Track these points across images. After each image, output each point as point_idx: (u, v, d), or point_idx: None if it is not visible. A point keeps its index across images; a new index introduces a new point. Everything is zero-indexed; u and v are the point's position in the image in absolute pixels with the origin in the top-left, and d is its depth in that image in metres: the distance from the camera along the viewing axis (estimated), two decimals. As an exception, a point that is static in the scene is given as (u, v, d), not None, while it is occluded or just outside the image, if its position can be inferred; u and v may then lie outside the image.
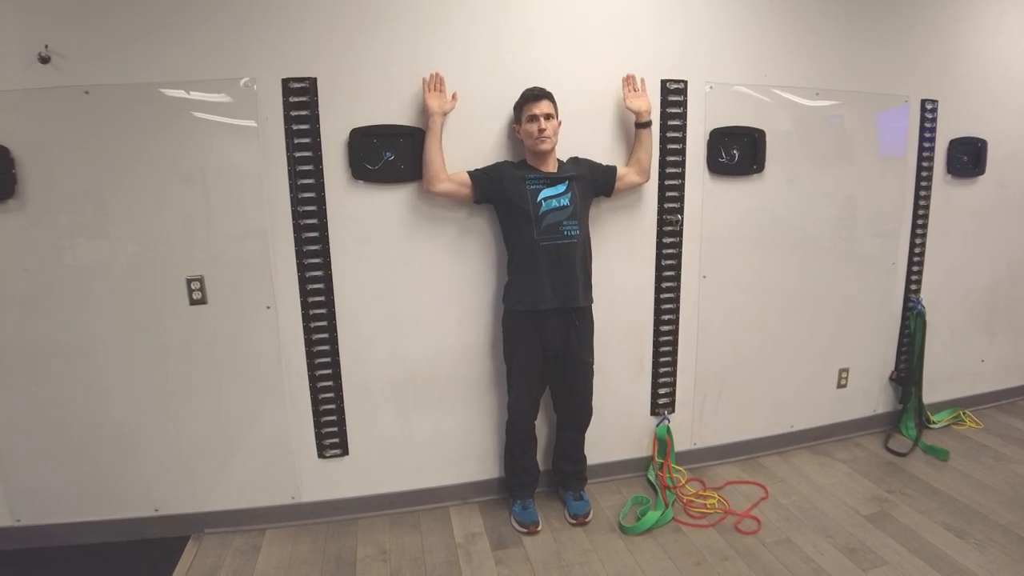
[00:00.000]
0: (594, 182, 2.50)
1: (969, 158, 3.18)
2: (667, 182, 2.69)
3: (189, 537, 2.50)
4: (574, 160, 2.51)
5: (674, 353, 2.85)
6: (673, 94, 2.62)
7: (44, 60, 2.14)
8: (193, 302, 2.37)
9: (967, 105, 3.12)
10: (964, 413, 3.43)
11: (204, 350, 2.41)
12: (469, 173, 2.40)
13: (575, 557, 2.37)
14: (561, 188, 2.40)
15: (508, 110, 2.45)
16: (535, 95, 2.35)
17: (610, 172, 2.53)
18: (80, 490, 2.43)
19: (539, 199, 2.37)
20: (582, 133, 2.54)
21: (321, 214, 2.38)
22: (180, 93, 2.24)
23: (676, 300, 2.81)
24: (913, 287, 3.21)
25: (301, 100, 2.30)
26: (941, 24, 3.02)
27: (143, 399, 2.41)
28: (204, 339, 2.40)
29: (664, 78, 2.61)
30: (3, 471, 2.39)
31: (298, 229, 2.38)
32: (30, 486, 2.41)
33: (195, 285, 2.36)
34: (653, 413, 2.89)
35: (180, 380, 2.42)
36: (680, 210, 2.72)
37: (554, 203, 2.38)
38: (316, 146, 2.34)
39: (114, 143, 2.23)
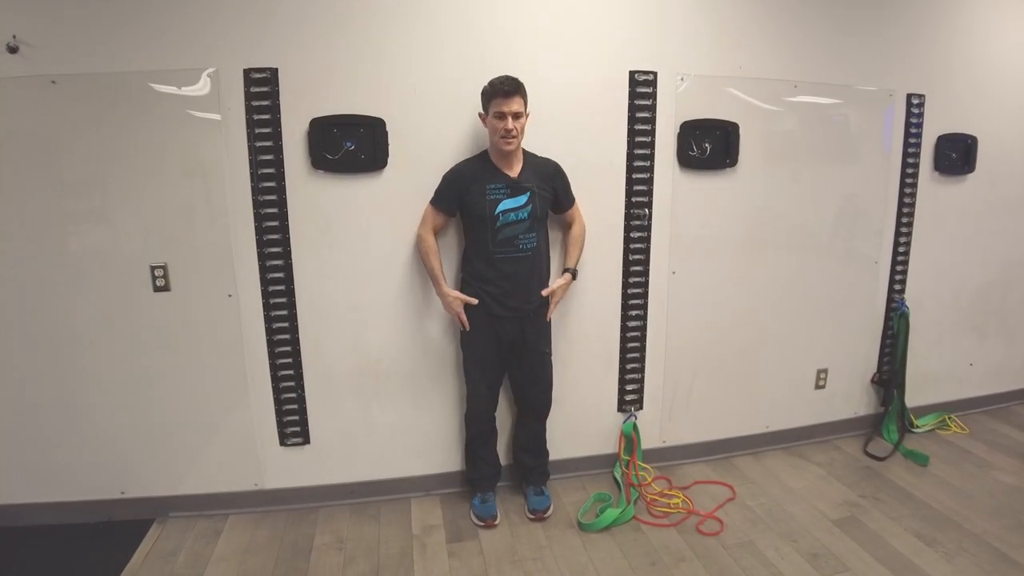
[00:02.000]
0: (555, 193, 2.45)
1: (958, 155, 3.06)
2: (635, 175, 2.64)
3: (154, 520, 2.54)
4: (545, 162, 2.45)
5: (642, 349, 2.82)
6: (642, 85, 2.58)
7: (12, 50, 2.18)
8: (157, 289, 2.40)
9: (957, 100, 3.01)
10: (950, 418, 3.32)
11: (168, 336, 2.44)
12: (432, 204, 2.41)
13: (529, 552, 2.36)
14: (522, 200, 2.35)
15: (472, 102, 2.40)
16: (506, 91, 2.22)
17: (570, 201, 2.51)
18: (49, 471, 2.49)
19: (497, 211, 2.33)
20: (545, 124, 2.49)
21: (281, 203, 2.39)
22: (145, 82, 2.26)
23: (644, 296, 2.76)
24: (897, 287, 3.12)
25: (262, 90, 2.32)
26: (929, 14, 2.92)
27: (110, 383, 2.45)
28: (168, 325, 2.43)
29: (632, 69, 2.56)
30: (-25, 451, 2.45)
31: (259, 218, 2.39)
32: (1, 466, 2.47)
33: (159, 272, 2.39)
34: (620, 409, 2.85)
35: (146, 365, 2.45)
36: (648, 204, 2.68)
37: (512, 216, 2.35)
38: (277, 136, 2.35)
39: (80, 132, 2.27)
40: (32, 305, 2.36)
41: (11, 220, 2.30)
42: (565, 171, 2.48)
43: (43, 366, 2.41)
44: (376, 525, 2.53)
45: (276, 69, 2.31)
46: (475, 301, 2.40)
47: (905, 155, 2.99)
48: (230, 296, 2.44)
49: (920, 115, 2.95)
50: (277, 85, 2.32)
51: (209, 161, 2.35)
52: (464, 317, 2.41)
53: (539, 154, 2.46)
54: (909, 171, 3.00)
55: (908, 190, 3.02)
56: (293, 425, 2.58)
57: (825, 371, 3.10)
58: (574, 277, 2.52)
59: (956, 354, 3.38)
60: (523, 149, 2.42)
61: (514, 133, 2.27)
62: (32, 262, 2.34)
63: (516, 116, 2.26)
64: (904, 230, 3.06)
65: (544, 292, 2.44)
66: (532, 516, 2.55)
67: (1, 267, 2.33)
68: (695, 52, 2.63)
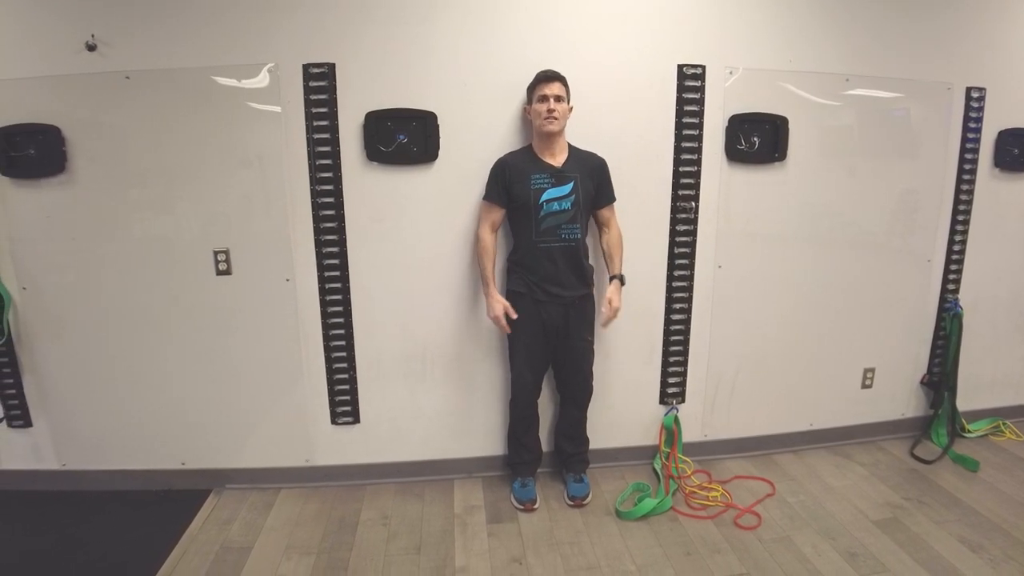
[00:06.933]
0: (596, 187, 2.47)
1: (1021, 151, 2.94)
2: (682, 168, 2.65)
3: (211, 491, 2.70)
4: (590, 155, 2.48)
5: (685, 342, 2.83)
6: (690, 79, 2.58)
7: (91, 48, 2.34)
8: (219, 272, 2.54)
9: (1021, 93, 2.90)
10: (1005, 423, 3.22)
11: (229, 317, 2.58)
12: (484, 200, 2.47)
13: (566, 537, 2.41)
14: (566, 189, 2.40)
15: (520, 95, 2.48)
16: (547, 76, 2.35)
17: (608, 198, 2.52)
18: (118, 440, 2.67)
19: (541, 200, 2.39)
20: (593, 118, 2.53)
21: (337, 193, 2.50)
22: (210, 78, 2.40)
23: (689, 289, 2.77)
24: (951, 287, 3.03)
25: (320, 85, 2.42)
26: (989, 1, 2.81)
27: (174, 360, 2.61)
28: (229, 307, 2.57)
29: (681, 63, 2.57)
30: (53, 419, 2.65)
31: (316, 207, 2.50)
32: (75, 434, 2.67)
33: (221, 257, 2.53)
34: (662, 402, 2.88)
35: (208, 344, 2.60)
36: (695, 197, 2.68)
37: (555, 206, 2.40)
38: (334, 129, 2.45)
39: (150, 124, 2.42)
40: (104, 286, 2.53)
41: (85, 206, 2.46)
42: (610, 168, 2.50)
43: (113, 343, 2.58)
44: (420, 503, 2.63)
45: (333, 64, 2.41)
46: (514, 316, 2.45)
47: (963, 150, 2.89)
48: (288, 281, 2.56)
49: (980, 109, 2.86)
50: (334, 79, 2.41)
51: (270, 152, 2.47)
52: (503, 322, 2.45)
53: (585, 148, 2.50)
54: (967, 167, 2.91)
55: (965, 187, 2.93)
56: (344, 405, 2.69)
57: (872, 370, 3.05)
58: (623, 283, 2.53)
59: (1013, 358, 3.26)
60: (568, 143, 2.46)
61: (556, 114, 2.33)
62: (104, 246, 2.50)
63: (558, 99, 2.33)
64: (960, 228, 2.97)
65: (603, 323, 2.50)
66: (571, 502, 2.60)
67: (75, 250, 2.50)
68: (744, 45, 2.61)
